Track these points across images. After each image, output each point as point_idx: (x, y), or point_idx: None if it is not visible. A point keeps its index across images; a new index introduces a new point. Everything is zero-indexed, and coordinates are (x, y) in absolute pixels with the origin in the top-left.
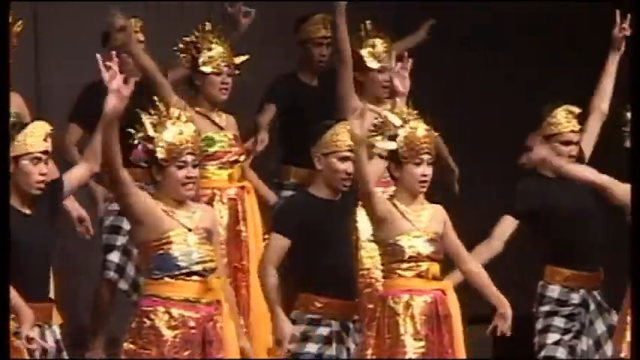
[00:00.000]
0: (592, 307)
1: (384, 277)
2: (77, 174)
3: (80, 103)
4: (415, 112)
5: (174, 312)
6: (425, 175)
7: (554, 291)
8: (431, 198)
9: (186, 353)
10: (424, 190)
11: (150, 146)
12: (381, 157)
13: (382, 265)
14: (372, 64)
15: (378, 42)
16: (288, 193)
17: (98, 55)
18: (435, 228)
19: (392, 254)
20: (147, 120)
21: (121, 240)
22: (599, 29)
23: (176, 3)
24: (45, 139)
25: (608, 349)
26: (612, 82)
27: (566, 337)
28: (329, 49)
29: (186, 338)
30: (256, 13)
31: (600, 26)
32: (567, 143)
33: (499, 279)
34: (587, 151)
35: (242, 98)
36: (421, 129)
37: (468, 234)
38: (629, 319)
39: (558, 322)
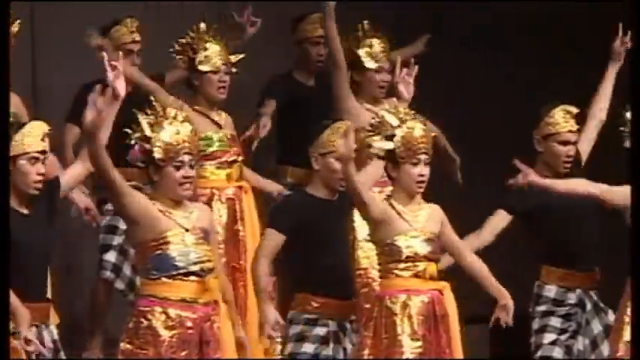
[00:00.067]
0: (588, 306)
1: (381, 277)
2: (74, 174)
3: (77, 103)
4: (412, 112)
5: (172, 312)
6: (422, 175)
7: (550, 291)
8: (427, 197)
9: (183, 353)
10: (421, 190)
11: (147, 146)
12: (378, 157)
13: (379, 265)
14: (370, 64)
15: (376, 42)
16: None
17: (104, 54)
18: (433, 228)
19: (389, 254)
20: (144, 120)
21: (117, 240)
22: (599, 29)
23: (176, 3)
24: (42, 139)
25: (605, 349)
26: (610, 91)
27: (563, 337)
28: (326, 48)
29: (183, 338)
30: (256, 13)
31: (600, 26)
32: (565, 143)
33: (496, 278)
34: (584, 155)
35: (241, 98)
36: (418, 129)
37: (468, 233)
38: (626, 318)
39: (555, 322)
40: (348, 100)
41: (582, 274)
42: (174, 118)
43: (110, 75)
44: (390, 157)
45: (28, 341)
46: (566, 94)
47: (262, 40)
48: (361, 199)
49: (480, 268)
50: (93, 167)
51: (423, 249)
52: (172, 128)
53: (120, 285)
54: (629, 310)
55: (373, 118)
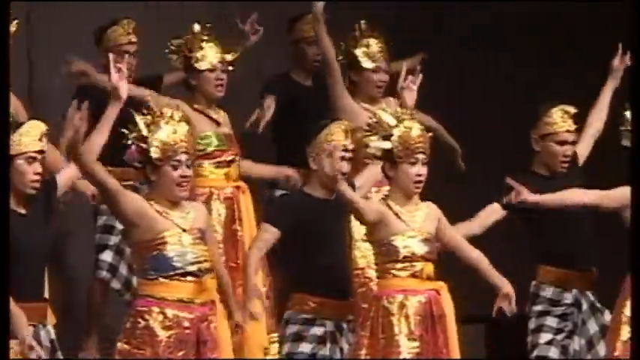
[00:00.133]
0: (585, 306)
1: (378, 277)
2: (71, 174)
3: (81, 93)
4: (409, 111)
5: (169, 312)
6: (420, 175)
7: (547, 291)
8: (427, 198)
9: (180, 353)
10: (419, 190)
11: (144, 146)
12: (375, 156)
13: (376, 265)
14: (367, 64)
15: (373, 42)
16: (281, 192)
17: (111, 55)
18: (430, 228)
19: (386, 254)
20: (140, 120)
21: (113, 239)
22: (599, 29)
23: (176, 3)
24: (40, 139)
25: (601, 349)
26: (608, 103)
27: (559, 337)
28: None
29: (180, 338)
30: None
31: (600, 26)
32: (563, 143)
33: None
34: (582, 159)
35: (240, 98)
36: (415, 128)
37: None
38: (623, 318)
39: (551, 321)
40: (345, 99)
41: (579, 274)
42: (171, 117)
43: (114, 76)
44: (387, 156)
45: (30, 347)
46: (566, 94)
47: (261, 40)
48: (355, 208)
49: (479, 259)
50: (84, 177)
51: (421, 249)
52: (169, 128)
53: (116, 285)
54: (626, 310)
55: (370, 118)
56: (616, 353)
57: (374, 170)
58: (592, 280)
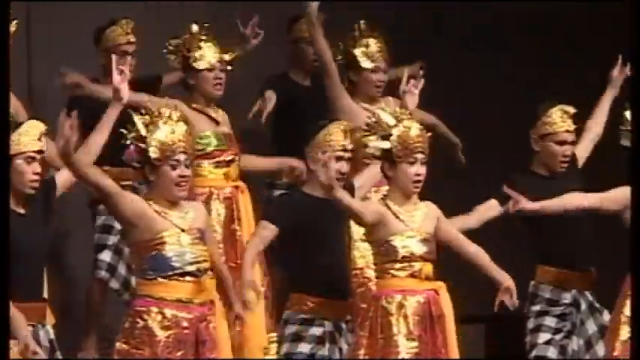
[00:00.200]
0: (583, 306)
1: (377, 277)
2: (70, 174)
3: (73, 104)
4: (408, 111)
5: (168, 312)
6: (419, 175)
7: (545, 290)
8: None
9: (179, 353)
10: (418, 189)
11: (142, 146)
12: (374, 156)
13: (375, 265)
14: (366, 63)
15: (372, 42)
16: (280, 192)
17: (114, 57)
18: (429, 228)
19: (385, 254)
20: (139, 120)
21: (112, 239)
22: (599, 29)
23: (176, 3)
24: (39, 139)
25: (599, 349)
26: (607, 110)
27: (557, 337)
28: None
29: (179, 338)
30: (256, 13)
31: (600, 26)
32: (562, 143)
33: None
34: (581, 161)
35: (237, 98)
36: (414, 128)
37: (468, 233)
38: (622, 318)
39: (549, 321)
40: (343, 99)
41: (578, 274)
42: (169, 117)
43: (116, 78)
44: (386, 156)
45: (34, 353)
46: (566, 94)
47: (261, 40)
48: (353, 212)
49: (479, 255)
50: (79, 182)
51: (419, 249)
52: (167, 127)
53: (115, 284)
54: (625, 310)
55: (369, 118)
56: (615, 353)
57: (373, 170)
58: (591, 280)
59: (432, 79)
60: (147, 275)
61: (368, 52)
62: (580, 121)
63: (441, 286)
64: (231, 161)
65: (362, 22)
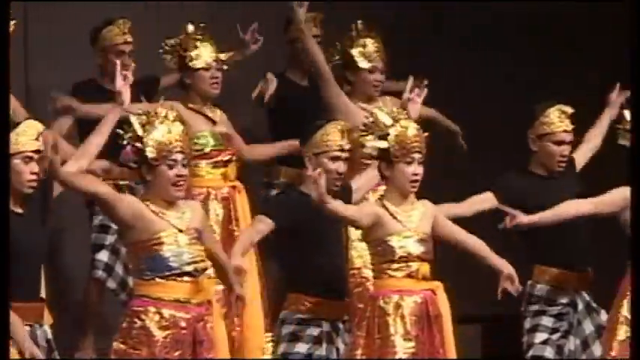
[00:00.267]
0: (580, 306)
1: (374, 277)
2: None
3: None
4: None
5: (165, 312)
6: (416, 174)
7: (542, 290)
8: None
9: (176, 353)
10: (415, 189)
11: (139, 146)
12: (371, 156)
13: (372, 265)
14: (363, 63)
15: (369, 42)
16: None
17: (118, 62)
18: (426, 228)
19: (382, 254)
20: (135, 120)
21: (109, 239)
22: (599, 29)
23: (176, 3)
24: (37, 139)
25: (596, 349)
26: (607, 125)
27: (554, 337)
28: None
29: (176, 338)
30: (255, 13)
31: (600, 26)
32: (560, 143)
33: (489, 277)
34: (579, 166)
35: (240, 98)
36: (412, 128)
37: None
38: (620, 318)
39: (546, 321)
40: (340, 99)
41: (575, 274)
42: (166, 117)
43: (120, 82)
44: (383, 156)
45: (31, 355)
46: (566, 94)
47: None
48: (349, 220)
49: (479, 246)
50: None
51: (416, 249)
52: (164, 127)
53: (111, 284)
54: (623, 310)
55: (366, 118)
56: (613, 353)
57: (372, 173)
58: (588, 280)
59: (432, 79)
60: (144, 275)
61: (365, 52)
62: (578, 121)
63: (438, 286)
64: (229, 161)
65: (359, 22)
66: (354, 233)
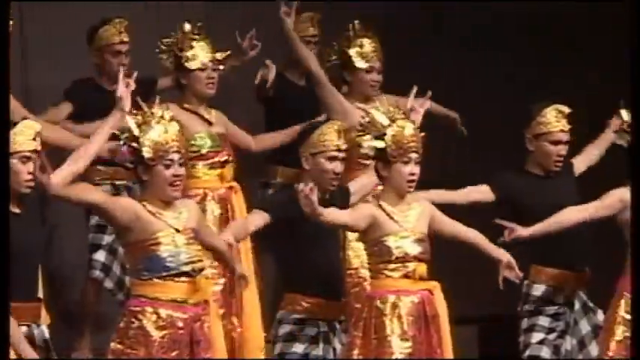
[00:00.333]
0: (577, 306)
1: (371, 277)
2: (64, 174)
3: (69, 96)
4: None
5: (163, 312)
6: (413, 174)
7: (539, 290)
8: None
9: (174, 353)
10: (412, 189)
11: (135, 146)
12: (368, 156)
13: (369, 265)
14: (360, 63)
15: (366, 42)
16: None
17: (121, 68)
18: (423, 228)
19: (379, 255)
20: (131, 120)
21: (106, 239)
22: (599, 29)
23: (176, 3)
24: (34, 139)
25: (593, 349)
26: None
27: (551, 337)
28: (318, 47)
29: (174, 338)
30: (255, 13)
31: (600, 26)
32: (556, 143)
33: (486, 278)
34: (577, 171)
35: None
36: (409, 128)
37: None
38: (617, 318)
39: (543, 321)
40: (335, 99)
41: (572, 274)
42: (162, 117)
43: (122, 89)
44: (380, 156)
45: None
46: (566, 94)
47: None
48: (345, 227)
49: (476, 238)
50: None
51: (413, 249)
52: (160, 127)
53: (109, 284)
54: (620, 310)
55: (363, 117)
56: (610, 353)
57: (369, 178)
58: (585, 280)
59: (432, 79)
60: (142, 275)
61: (362, 52)
62: (579, 121)
63: (435, 286)
64: (226, 162)
65: (356, 22)
66: (352, 233)
